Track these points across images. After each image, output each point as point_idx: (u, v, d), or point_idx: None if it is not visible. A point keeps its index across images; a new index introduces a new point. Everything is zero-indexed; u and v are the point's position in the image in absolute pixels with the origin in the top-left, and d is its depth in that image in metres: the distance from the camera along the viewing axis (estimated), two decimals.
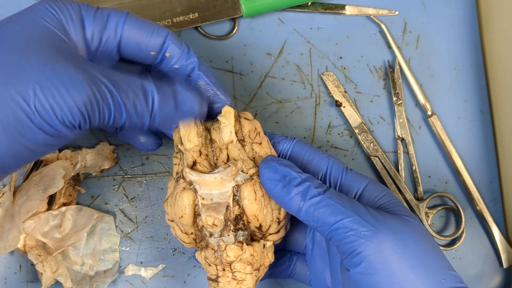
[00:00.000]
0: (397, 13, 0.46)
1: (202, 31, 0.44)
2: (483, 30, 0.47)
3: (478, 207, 0.44)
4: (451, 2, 0.47)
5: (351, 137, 0.45)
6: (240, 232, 0.32)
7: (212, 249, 0.32)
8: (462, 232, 0.43)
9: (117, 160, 0.43)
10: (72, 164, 0.40)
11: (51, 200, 0.40)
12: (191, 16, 0.44)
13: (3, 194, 0.39)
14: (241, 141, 0.33)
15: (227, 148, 0.32)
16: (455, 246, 0.43)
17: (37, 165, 0.41)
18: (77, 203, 0.42)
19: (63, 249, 0.39)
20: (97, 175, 0.43)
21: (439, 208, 0.44)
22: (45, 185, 0.38)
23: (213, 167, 0.33)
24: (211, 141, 0.33)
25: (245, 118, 0.33)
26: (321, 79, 0.45)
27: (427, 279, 0.27)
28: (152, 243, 0.42)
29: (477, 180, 0.45)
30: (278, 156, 0.35)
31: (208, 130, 0.33)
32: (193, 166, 0.32)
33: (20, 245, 0.39)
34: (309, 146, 0.35)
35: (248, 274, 0.32)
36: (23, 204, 0.37)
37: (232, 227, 0.31)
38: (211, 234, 0.32)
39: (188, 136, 0.32)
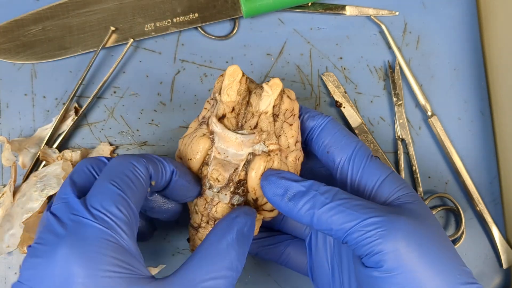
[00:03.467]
0: (397, 13, 0.46)
1: (202, 32, 0.44)
2: (483, 31, 0.47)
3: (478, 208, 0.44)
4: (451, 2, 0.47)
5: None
6: (237, 197, 0.32)
7: (205, 199, 0.33)
8: (462, 232, 0.43)
9: None
10: (72, 164, 0.40)
11: (51, 200, 0.40)
12: (191, 16, 0.44)
13: (3, 194, 0.39)
14: (275, 116, 0.32)
15: (259, 116, 0.32)
16: (455, 247, 0.43)
17: (37, 165, 0.41)
18: None
19: None
20: None
21: (439, 208, 0.44)
22: (45, 186, 0.38)
23: (239, 127, 0.33)
24: (248, 103, 0.33)
25: (288, 96, 0.33)
26: (321, 79, 0.45)
27: (444, 275, 0.27)
28: (152, 243, 0.42)
29: (477, 180, 0.45)
30: (310, 131, 0.35)
31: (249, 91, 0.33)
32: (220, 119, 0.32)
33: (20, 245, 0.39)
34: (342, 127, 0.34)
35: None
36: (23, 205, 0.37)
37: (232, 189, 0.32)
38: (210, 187, 0.32)
39: (228, 90, 0.32)
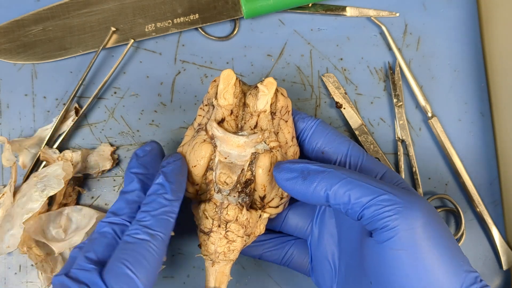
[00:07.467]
0: (397, 14, 0.46)
1: (202, 32, 0.44)
2: (484, 32, 0.47)
3: (478, 209, 0.44)
4: (452, 3, 0.47)
5: (351, 138, 0.45)
6: (245, 197, 0.33)
7: (214, 204, 0.33)
8: (462, 234, 0.43)
9: (117, 161, 0.43)
10: (72, 164, 0.40)
11: (51, 201, 0.40)
12: (191, 17, 0.44)
13: (3, 194, 0.39)
14: (273, 113, 0.34)
15: (258, 116, 0.33)
16: None
17: (37, 165, 0.41)
18: (78, 204, 0.42)
19: (64, 249, 0.39)
20: (97, 175, 0.43)
21: (439, 210, 0.44)
22: (45, 186, 0.38)
23: (239, 129, 0.33)
24: (244, 104, 0.34)
25: (281, 94, 0.34)
26: (322, 80, 0.45)
27: (449, 259, 0.28)
28: None
29: (477, 182, 0.45)
30: (300, 132, 0.35)
31: (244, 93, 0.34)
32: (220, 123, 0.33)
33: (20, 246, 0.39)
34: (332, 128, 0.35)
35: (240, 237, 0.33)
36: (23, 205, 0.37)
37: (239, 189, 0.32)
38: (219, 191, 0.33)
39: (225, 94, 0.33)
